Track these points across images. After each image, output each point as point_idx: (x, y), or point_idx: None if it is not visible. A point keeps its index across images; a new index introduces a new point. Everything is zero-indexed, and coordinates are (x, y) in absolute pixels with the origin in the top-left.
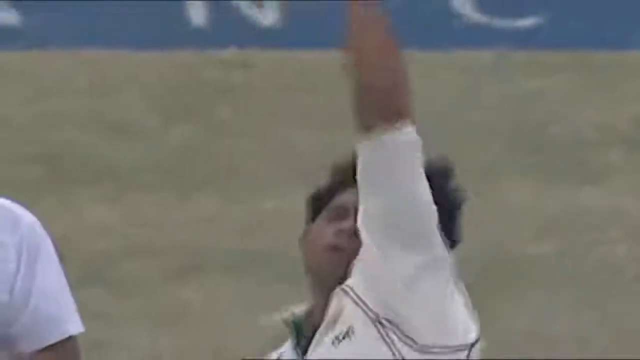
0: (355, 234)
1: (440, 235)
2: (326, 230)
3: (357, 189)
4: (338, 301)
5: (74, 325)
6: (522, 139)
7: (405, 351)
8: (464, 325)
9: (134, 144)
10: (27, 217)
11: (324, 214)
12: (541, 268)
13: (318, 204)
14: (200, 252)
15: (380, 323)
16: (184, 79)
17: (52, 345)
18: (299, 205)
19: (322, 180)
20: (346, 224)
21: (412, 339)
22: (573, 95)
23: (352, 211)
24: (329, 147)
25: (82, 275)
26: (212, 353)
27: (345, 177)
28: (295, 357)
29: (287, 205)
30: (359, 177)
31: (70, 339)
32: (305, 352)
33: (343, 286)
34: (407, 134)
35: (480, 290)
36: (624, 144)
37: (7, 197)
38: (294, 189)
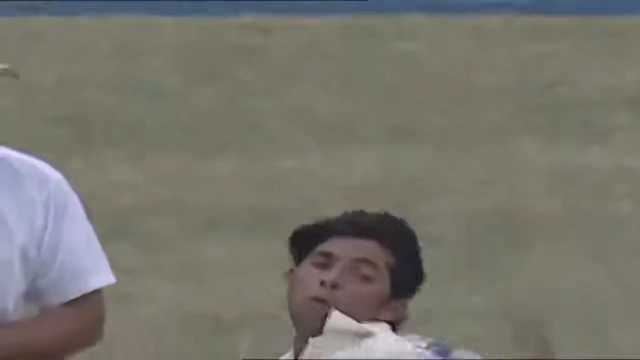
0: (338, 285)
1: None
2: (311, 279)
3: (349, 238)
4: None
5: (99, 280)
6: (530, 101)
7: None
8: None
9: (157, 105)
10: (54, 175)
11: (311, 257)
12: (548, 224)
13: (305, 242)
14: (222, 208)
15: None
16: (205, 43)
17: (75, 299)
18: (316, 164)
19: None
20: (330, 275)
21: None
22: (579, 59)
23: (338, 260)
24: (342, 109)
25: (107, 230)
26: (232, 305)
27: (340, 224)
28: None
29: (304, 163)
30: None
31: (95, 292)
32: None
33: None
34: None
35: (491, 244)
36: (629, 105)
37: (35, 155)
38: (311, 149)
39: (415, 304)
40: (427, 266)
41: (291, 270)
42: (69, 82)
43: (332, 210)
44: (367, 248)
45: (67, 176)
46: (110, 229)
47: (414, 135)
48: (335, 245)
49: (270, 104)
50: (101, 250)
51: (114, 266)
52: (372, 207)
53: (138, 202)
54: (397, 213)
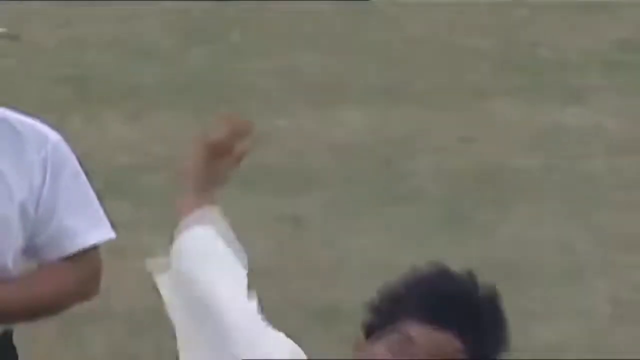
0: None
1: None
2: None
3: (428, 326)
4: None
5: (96, 236)
6: (510, 62)
7: None
8: None
9: (154, 66)
10: (53, 136)
11: (387, 337)
12: (528, 180)
13: (381, 315)
14: None
15: None
16: (200, 6)
17: (73, 255)
18: (306, 123)
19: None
20: None
21: None
22: (558, 21)
23: (413, 348)
24: (331, 70)
25: (105, 187)
26: None
27: (420, 304)
28: None
29: (296, 122)
30: None
31: (92, 248)
32: None
33: None
34: None
35: (472, 201)
36: (605, 66)
37: (36, 116)
38: (302, 108)
39: (399, 259)
40: (411, 221)
41: (359, 339)
42: (69, 43)
43: (322, 165)
44: (445, 341)
45: (67, 135)
46: (108, 186)
47: (400, 95)
48: (413, 332)
49: (263, 65)
50: (99, 207)
51: (111, 221)
52: (360, 163)
53: (135, 159)
54: (383, 169)
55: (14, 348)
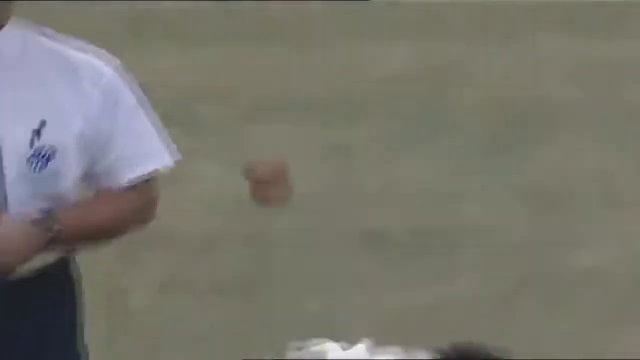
0: None
1: None
2: None
3: None
4: None
5: (152, 165)
6: None
7: None
8: None
9: (204, 6)
10: (110, 67)
11: None
12: (569, 111)
13: None
14: (265, 97)
15: None
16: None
17: (131, 182)
18: (354, 57)
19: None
20: None
21: None
22: None
23: None
24: (376, 6)
25: (160, 117)
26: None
27: None
28: None
29: (343, 56)
30: None
31: (150, 175)
32: None
33: None
34: None
35: (514, 132)
36: None
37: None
38: (349, 42)
39: (441, 188)
40: (454, 151)
41: None
42: None
43: (368, 98)
44: None
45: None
46: (163, 115)
47: (444, 30)
48: None
49: (305, 4)
50: (158, 136)
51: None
52: (405, 96)
53: (187, 91)
54: (427, 101)
55: (71, 274)
